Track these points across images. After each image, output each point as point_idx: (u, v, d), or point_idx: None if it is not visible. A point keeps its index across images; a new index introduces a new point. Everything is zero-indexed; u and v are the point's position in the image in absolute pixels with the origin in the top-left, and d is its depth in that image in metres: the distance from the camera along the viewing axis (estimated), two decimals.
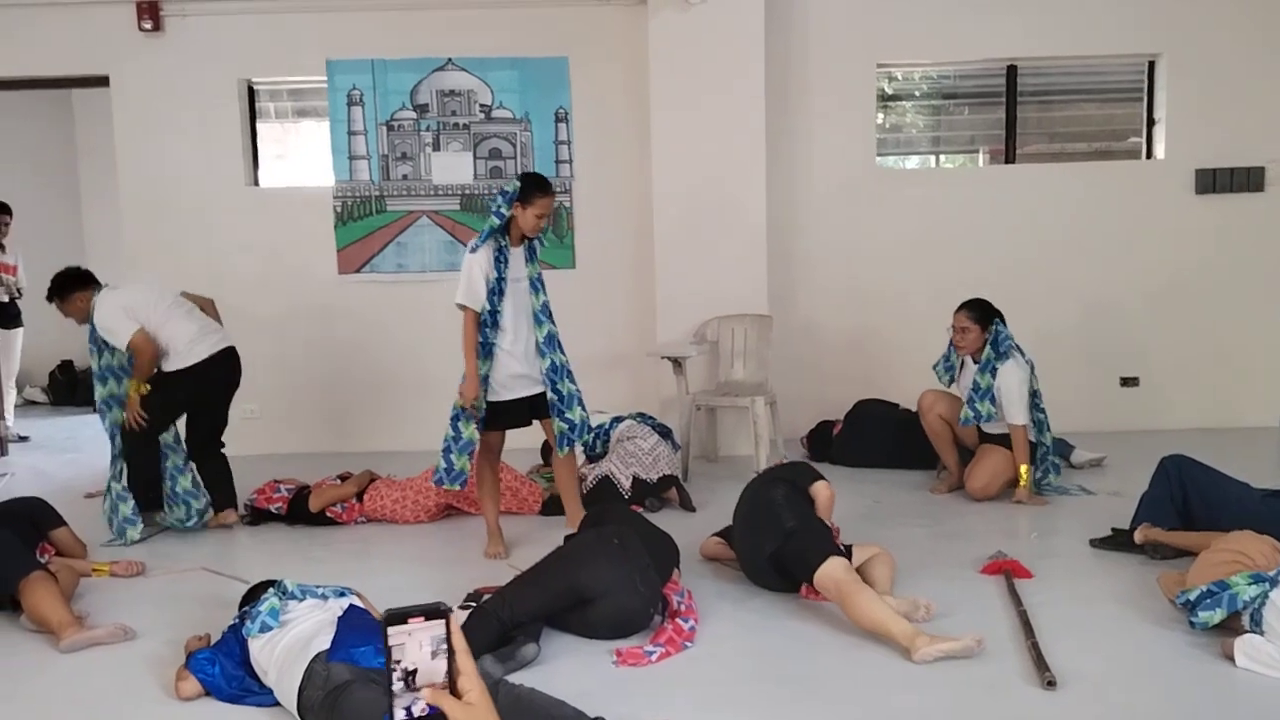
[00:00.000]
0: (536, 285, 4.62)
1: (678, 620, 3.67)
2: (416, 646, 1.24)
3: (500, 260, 4.49)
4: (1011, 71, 7.05)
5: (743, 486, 4.36)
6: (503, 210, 4.47)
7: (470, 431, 4.56)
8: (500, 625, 3.52)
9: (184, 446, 5.40)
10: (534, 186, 4.49)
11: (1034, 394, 5.43)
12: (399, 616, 1.23)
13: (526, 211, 4.47)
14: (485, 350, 4.53)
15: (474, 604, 3.74)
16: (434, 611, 1.24)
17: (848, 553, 4.01)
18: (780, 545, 3.91)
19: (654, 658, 3.47)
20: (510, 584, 3.72)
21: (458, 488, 4.67)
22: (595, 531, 3.96)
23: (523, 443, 6.10)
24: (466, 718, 1.23)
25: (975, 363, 5.47)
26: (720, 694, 3.27)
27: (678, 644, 3.57)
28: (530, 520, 5.32)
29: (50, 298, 5.31)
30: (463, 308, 4.49)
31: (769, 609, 3.95)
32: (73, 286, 5.24)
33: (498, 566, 4.44)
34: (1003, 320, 5.49)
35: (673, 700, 3.21)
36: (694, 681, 3.34)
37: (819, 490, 4.17)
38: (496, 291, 4.49)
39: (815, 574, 3.71)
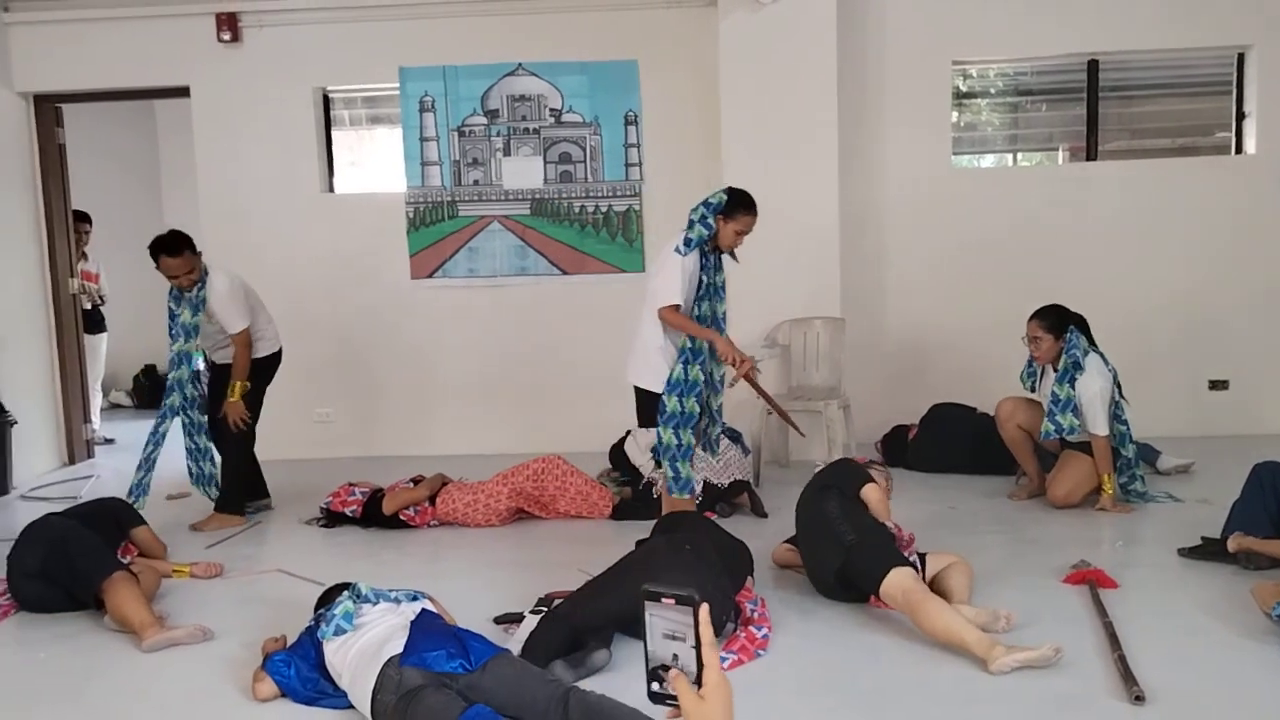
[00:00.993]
0: (722, 293, 4.68)
1: (751, 628, 3.63)
2: (670, 624, 1.28)
3: (706, 266, 4.56)
4: (1092, 66, 6.86)
5: None
6: (709, 220, 4.52)
7: (688, 436, 4.53)
8: (571, 630, 3.50)
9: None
10: (740, 203, 4.54)
11: (1115, 404, 5.26)
12: (655, 595, 1.28)
13: (728, 226, 4.53)
14: (691, 353, 4.50)
15: (545, 609, 3.74)
16: (687, 600, 1.26)
17: (922, 562, 3.92)
18: (843, 562, 3.84)
19: (726, 665, 3.42)
20: (582, 589, 3.71)
21: (688, 496, 4.54)
22: (667, 538, 3.93)
23: (591, 446, 6.14)
24: (695, 710, 1.25)
25: (1055, 371, 5.32)
26: (792, 705, 3.22)
27: (750, 652, 3.53)
28: (601, 525, 5.31)
29: (173, 251, 5.23)
30: (671, 307, 4.49)
31: (840, 620, 3.88)
32: (192, 245, 5.36)
33: (569, 571, 4.43)
34: (1083, 326, 5.33)
35: (744, 709, 3.15)
36: (766, 691, 3.29)
37: (869, 494, 4.08)
38: (705, 296, 4.57)
39: (881, 586, 3.64)
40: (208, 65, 6.97)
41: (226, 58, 6.96)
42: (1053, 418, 5.23)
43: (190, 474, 5.63)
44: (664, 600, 1.28)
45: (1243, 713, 3.05)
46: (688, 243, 4.51)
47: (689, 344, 4.48)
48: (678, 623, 1.27)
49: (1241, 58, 6.76)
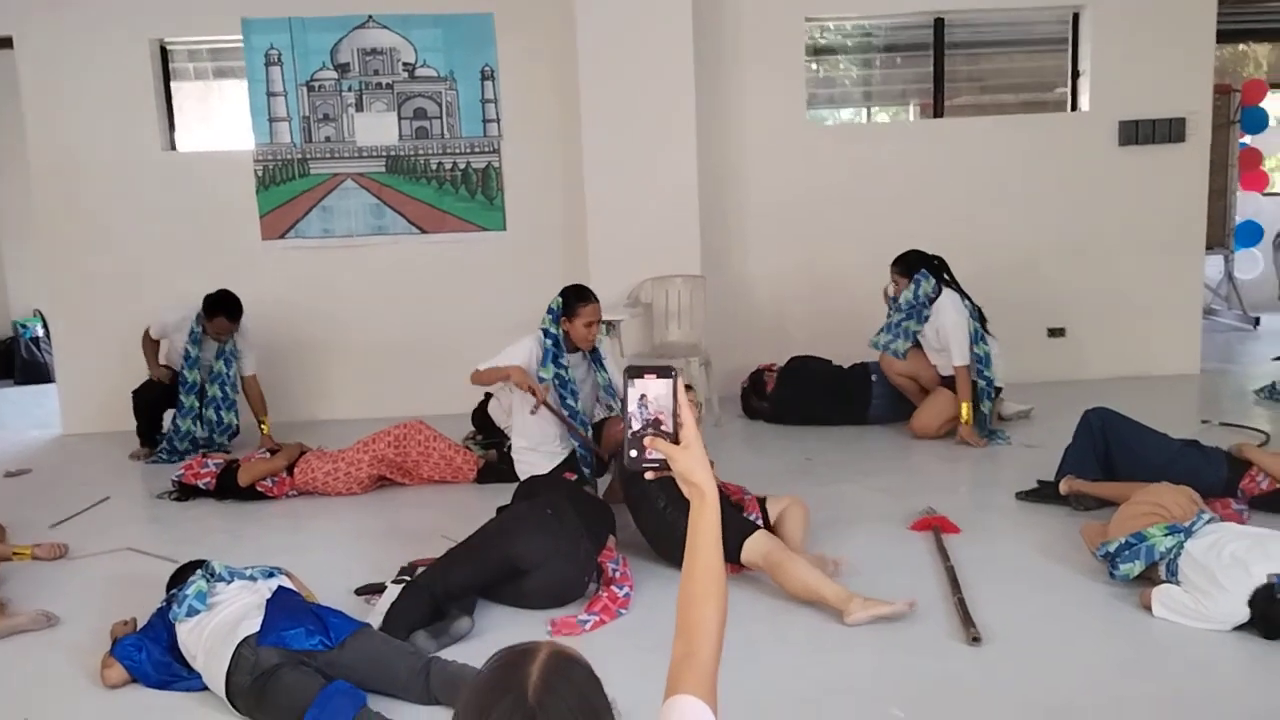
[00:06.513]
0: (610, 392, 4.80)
1: (612, 588, 3.68)
2: (652, 392, 1.50)
3: (576, 371, 4.67)
4: (939, 24, 7.04)
5: None
6: (552, 330, 4.58)
7: None
8: (433, 599, 3.50)
9: None
10: (577, 298, 4.60)
11: (978, 338, 5.65)
12: (637, 371, 1.51)
13: (575, 324, 4.59)
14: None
15: (407, 578, 3.72)
16: (665, 371, 1.51)
17: (763, 507, 4.03)
18: None
19: (588, 626, 3.48)
20: (444, 557, 3.70)
21: None
22: (529, 502, 3.96)
23: (455, 409, 6.09)
24: (680, 455, 1.51)
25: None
26: (655, 661, 3.26)
27: (612, 612, 3.58)
28: (465, 489, 5.28)
29: (236, 316, 6.04)
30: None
31: None
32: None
33: (433, 538, 4.40)
34: (938, 268, 5.79)
35: (607, 669, 3.20)
36: (628, 649, 3.36)
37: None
38: (569, 396, 4.63)
39: (741, 557, 3.72)
40: (31, 14, 6.54)
41: (52, 6, 6.54)
42: (885, 331, 5.93)
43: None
44: (646, 375, 1.50)
45: (1070, 647, 3.26)
46: (542, 360, 4.56)
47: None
48: (656, 391, 1.49)
49: (1076, 17, 7.04)
